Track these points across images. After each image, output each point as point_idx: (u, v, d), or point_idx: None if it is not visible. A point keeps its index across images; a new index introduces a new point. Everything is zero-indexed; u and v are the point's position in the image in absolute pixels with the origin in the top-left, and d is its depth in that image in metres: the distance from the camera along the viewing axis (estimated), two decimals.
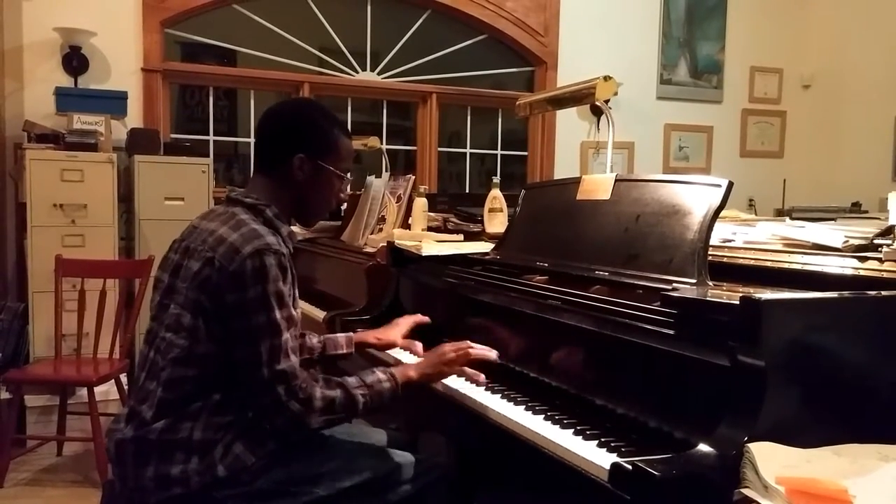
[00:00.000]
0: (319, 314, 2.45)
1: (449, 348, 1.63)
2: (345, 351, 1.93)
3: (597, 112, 5.02)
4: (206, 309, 1.42)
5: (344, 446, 1.57)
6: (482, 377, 1.60)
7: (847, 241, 1.45)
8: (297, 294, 1.54)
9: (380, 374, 1.53)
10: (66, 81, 3.86)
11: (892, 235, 1.40)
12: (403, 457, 1.60)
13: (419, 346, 1.86)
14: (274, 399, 1.39)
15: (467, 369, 1.61)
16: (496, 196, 2.49)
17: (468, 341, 1.65)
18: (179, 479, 1.39)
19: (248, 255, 1.40)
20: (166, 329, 1.45)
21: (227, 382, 1.44)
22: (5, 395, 3.17)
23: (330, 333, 1.97)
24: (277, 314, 1.40)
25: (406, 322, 1.94)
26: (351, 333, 1.96)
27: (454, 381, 1.64)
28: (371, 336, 1.93)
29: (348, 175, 1.66)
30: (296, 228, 1.80)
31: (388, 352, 1.92)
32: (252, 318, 1.39)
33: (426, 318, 1.97)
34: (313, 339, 1.91)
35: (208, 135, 4.42)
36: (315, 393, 1.42)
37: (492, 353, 1.65)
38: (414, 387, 1.58)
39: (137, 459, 1.42)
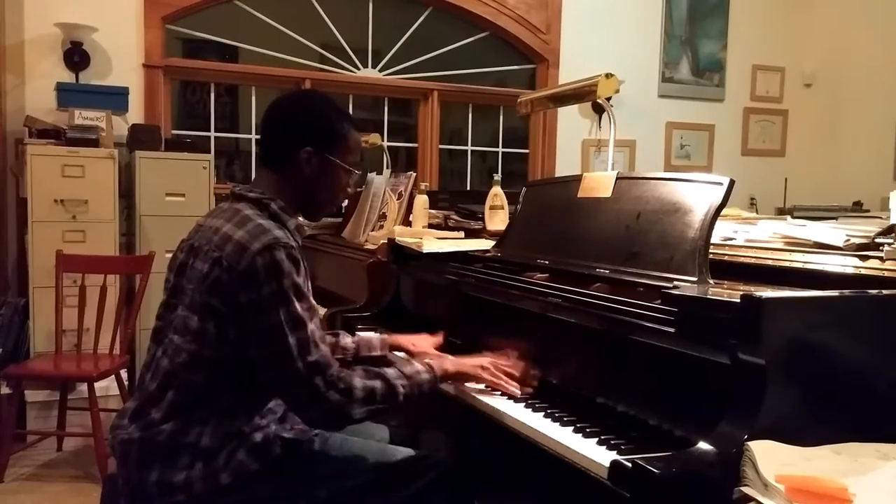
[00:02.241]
0: (320, 311, 2.45)
1: (489, 366, 1.57)
2: (378, 353, 1.90)
3: (598, 110, 5.02)
4: (219, 312, 1.39)
5: (345, 447, 1.54)
6: (518, 393, 1.52)
7: (848, 240, 1.45)
8: (310, 287, 1.51)
9: (418, 365, 1.52)
10: (67, 77, 3.85)
11: (893, 234, 1.40)
12: (405, 455, 1.57)
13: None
14: (312, 391, 1.36)
15: (503, 381, 1.54)
16: (497, 193, 2.49)
17: (516, 364, 1.58)
18: (183, 485, 1.37)
19: (258, 252, 1.36)
20: (174, 331, 1.44)
21: (238, 387, 1.42)
22: (6, 390, 3.17)
23: (331, 330, 1.96)
24: (298, 307, 1.37)
25: (438, 337, 1.91)
26: (385, 335, 1.93)
27: None
28: (407, 341, 1.90)
29: (357, 169, 1.62)
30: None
31: (399, 354, 1.89)
32: (272, 314, 1.35)
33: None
34: (347, 340, 1.88)
35: (209, 131, 4.42)
36: (355, 383, 1.39)
37: (525, 389, 1.54)
38: (450, 380, 1.57)
39: (141, 461, 1.40)
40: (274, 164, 1.56)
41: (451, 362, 1.58)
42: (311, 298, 1.45)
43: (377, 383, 1.42)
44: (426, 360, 1.54)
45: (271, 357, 1.37)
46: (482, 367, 1.57)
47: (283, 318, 1.36)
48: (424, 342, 1.89)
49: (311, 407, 1.38)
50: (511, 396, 1.51)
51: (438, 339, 1.90)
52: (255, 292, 1.36)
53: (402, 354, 1.91)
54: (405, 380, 1.46)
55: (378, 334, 1.94)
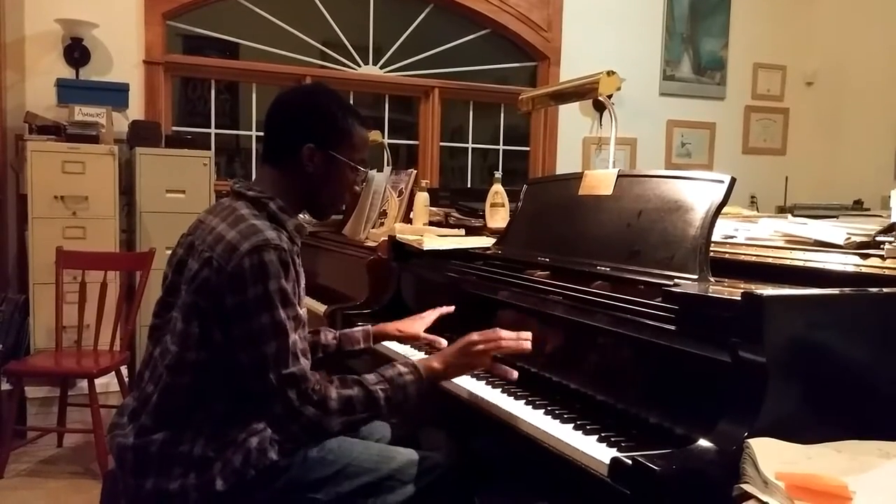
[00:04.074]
0: (320, 308, 2.45)
1: (477, 338, 1.47)
2: (362, 346, 1.82)
3: (599, 108, 5.02)
4: (205, 313, 1.35)
5: (343, 449, 1.50)
6: (514, 374, 1.49)
7: (849, 238, 1.45)
8: (302, 293, 1.47)
9: (400, 366, 1.43)
10: (67, 73, 3.85)
11: (893, 233, 1.40)
12: (405, 456, 1.54)
13: (443, 342, 1.76)
14: (286, 405, 1.30)
15: (497, 365, 1.50)
16: (498, 191, 2.48)
17: (499, 330, 1.50)
18: (178, 493, 1.36)
19: (246, 253, 1.32)
20: (169, 331, 1.42)
21: (231, 394, 1.39)
22: (6, 387, 3.17)
23: (331, 327, 1.95)
24: (282, 313, 1.32)
25: (431, 314, 1.82)
26: (369, 326, 1.85)
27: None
28: (392, 328, 1.83)
29: (364, 167, 1.56)
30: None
31: (405, 352, 1.85)
32: (254, 319, 1.31)
33: (451, 308, 1.83)
34: (328, 336, 1.81)
35: (210, 128, 4.42)
36: (330, 394, 1.33)
37: (525, 344, 1.48)
38: (440, 380, 1.47)
39: (136, 469, 1.39)
40: (275, 161, 1.52)
41: (438, 360, 1.47)
42: (299, 307, 1.39)
43: (354, 391, 1.35)
44: (411, 361, 1.47)
45: (250, 364, 1.32)
46: (472, 355, 1.47)
47: (264, 324, 1.31)
48: (412, 326, 1.81)
49: (287, 423, 1.32)
50: (511, 394, 1.51)
51: (430, 318, 1.82)
52: (242, 294, 1.31)
53: (389, 344, 1.88)
54: (385, 383, 1.38)
55: (361, 326, 1.87)
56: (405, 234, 2.33)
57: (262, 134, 1.58)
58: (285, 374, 1.31)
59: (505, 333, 1.49)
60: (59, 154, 3.40)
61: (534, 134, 5.19)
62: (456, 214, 2.76)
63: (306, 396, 1.31)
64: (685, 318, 1.21)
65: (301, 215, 1.58)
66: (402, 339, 1.84)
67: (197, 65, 4.37)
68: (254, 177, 1.60)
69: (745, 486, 0.99)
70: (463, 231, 2.53)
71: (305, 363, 1.34)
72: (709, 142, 5.50)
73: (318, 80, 4.50)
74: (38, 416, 3.33)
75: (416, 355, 1.83)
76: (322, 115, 1.51)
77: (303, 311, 1.43)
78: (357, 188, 1.60)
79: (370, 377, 1.40)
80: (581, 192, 1.82)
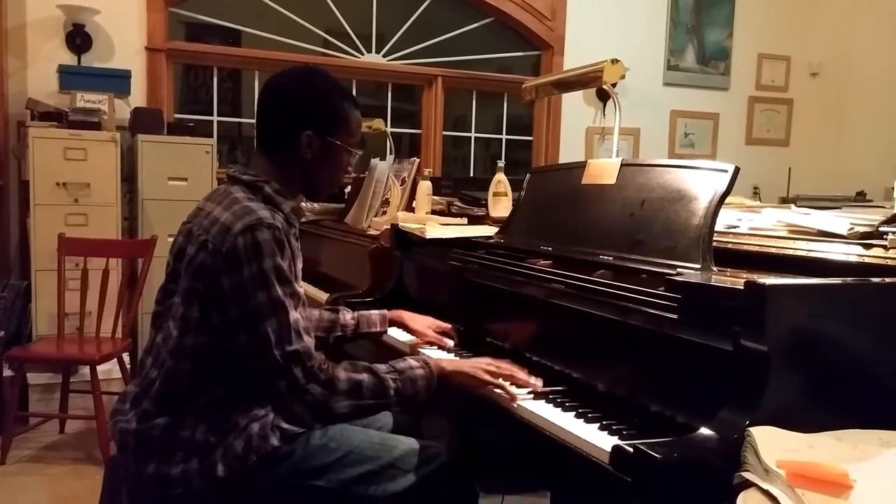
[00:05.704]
0: (323, 296, 2.45)
1: (492, 361, 1.50)
2: (378, 329, 1.87)
3: (603, 97, 4.99)
4: (204, 297, 1.35)
5: (345, 437, 1.50)
6: (518, 397, 1.47)
7: (852, 228, 1.45)
8: (298, 272, 1.47)
9: (412, 360, 1.44)
10: (69, 59, 3.83)
11: None
12: (407, 444, 1.54)
13: (449, 342, 1.77)
14: (291, 383, 1.29)
15: (505, 385, 1.47)
16: (501, 180, 2.48)
17: (515, 367, 1.49)
18: (180, 478, 1.36)
19: (240, 233, 1.32)
20: (170, 317, 1.42)
21: (229, 378, 1.39)
22: (8, 373, 3.18)
23: (332, 307, 1.95)
24: (279, 290, 1.31)
25: (437, 322, 1.85)
26: (385, 311, 1.90)
27: None
28: (408, 316, 1.86)
29: (359, 150, 1.57)
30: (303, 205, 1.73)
31: (410, 341, 1.85)
32: (252, 298, 1.31)
33: (448, 326, 1.86)
34: (347, 316, 1.85)
35: (212, 115, 4.41)
36: (339, 374, 1.33)
37: (538, 383, 1.46)
38: (448, 382, 1.46)
39: (138, 453, 1.39)
40: (271, 146, 1.52)
41: (449, 363, 1.51)
42: (297, 285, 1.39)
43: (364, 376, 1.36)
44: (423, 357, 1.47)
45: (251, 345, 1.32)
46: (483, 371, 1.48)
47: (262, 303, 1.30)
48: (423, 321, 1.85)
49: (291, 401, 1.32)
50: (514, 384, 1.51)
51: (442, 325, 1.85)
52: (237, 275, 1.32)
53: (395, 333, 1.89)
54: (396, 374, 1.39)
55: (378, 311, 1.91)
56: (408, 222, 2.32)
57: None
58: (290, 351, 1.30)
59: (518, 373, 1.49)
60: (61, 141, 3.39)
61: (537, 123, 5.17)
62: (458, 203, 2.76)
63: (312, 374, 1.31)
64: (688, 307, 1.21)
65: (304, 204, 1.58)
66: (412, 330, 1.85)
67: (199, 52, 4.35)
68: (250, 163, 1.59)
69: (746, 475, 0.99)
70: (465, 220, 2.52)
71: (309, 341, 1.34)
72: (712, 132, 5.49)
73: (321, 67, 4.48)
74: (41, 403, 3.35)
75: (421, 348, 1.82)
76: (320, 101, 1.51)
77: (301, 291, 1.42)
78: (351, 169, 1.61)
79: (381, 366, 1.40)
80: (584, 181, 1.81)
